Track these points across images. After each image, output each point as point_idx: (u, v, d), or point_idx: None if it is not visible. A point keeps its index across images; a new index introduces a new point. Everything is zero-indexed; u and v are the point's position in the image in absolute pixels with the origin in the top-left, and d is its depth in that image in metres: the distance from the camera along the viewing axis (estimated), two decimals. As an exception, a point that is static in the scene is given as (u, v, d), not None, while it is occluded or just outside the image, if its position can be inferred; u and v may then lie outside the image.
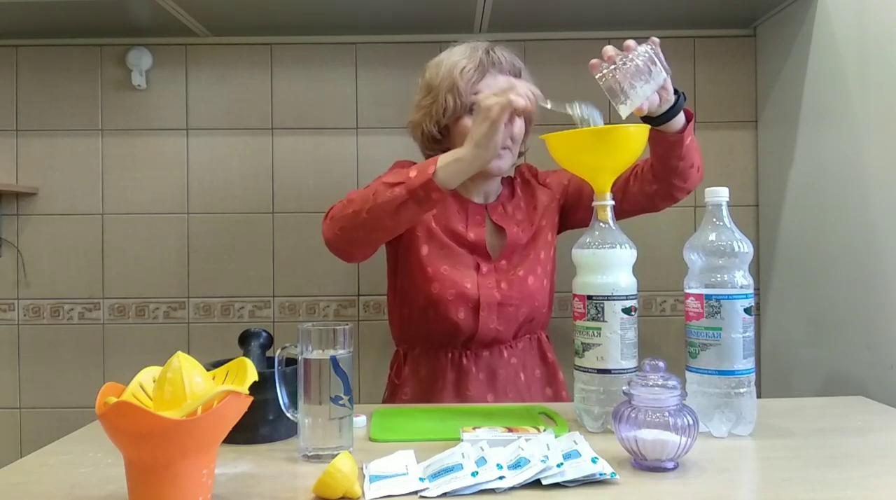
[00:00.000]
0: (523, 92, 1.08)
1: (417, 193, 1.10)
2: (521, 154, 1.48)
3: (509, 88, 1.08)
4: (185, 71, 1.94)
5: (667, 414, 0.84)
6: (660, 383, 0.87)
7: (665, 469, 0.85)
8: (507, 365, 1.36)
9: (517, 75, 1.34)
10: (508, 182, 1.49)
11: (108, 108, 1.93)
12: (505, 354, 1.37)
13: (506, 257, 1.38)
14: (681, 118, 1.18)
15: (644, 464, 0.86)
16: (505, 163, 1.35)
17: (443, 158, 1.11)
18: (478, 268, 1.36)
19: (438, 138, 1.39)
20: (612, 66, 1.03)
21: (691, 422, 0.84)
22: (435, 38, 1.86)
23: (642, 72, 1.03)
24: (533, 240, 1.41)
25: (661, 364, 0.89)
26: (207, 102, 1.94)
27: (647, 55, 1.03)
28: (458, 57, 1.33)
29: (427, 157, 1.46)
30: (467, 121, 1.31)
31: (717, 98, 1.93)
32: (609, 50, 1.06)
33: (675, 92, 1.14)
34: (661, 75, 1.05)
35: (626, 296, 1.02)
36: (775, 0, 1.72)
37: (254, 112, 1.94)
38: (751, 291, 0.99)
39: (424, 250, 1.35)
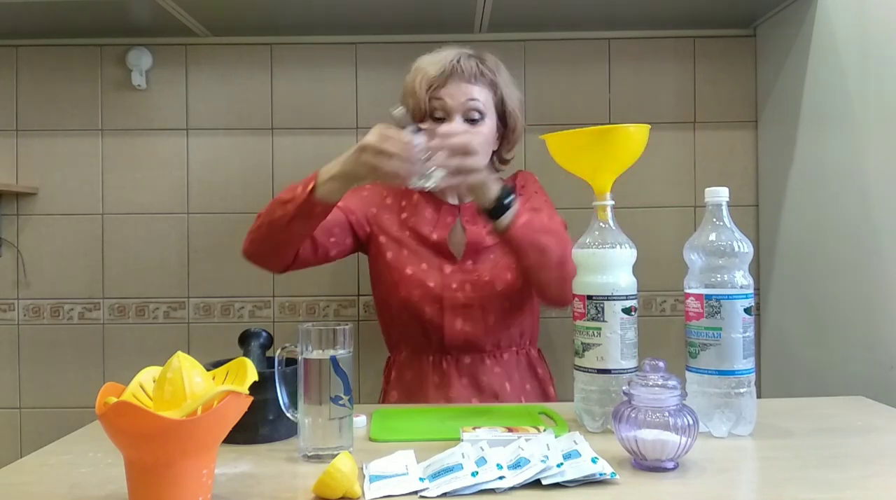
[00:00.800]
0: (392, 167, 1.09)
1: (303, 209, 1.17)
2: (506, 162, 1.47)
3: (380, 152, 1.09)
4: (185, 71, 1.94)
5: (667, 414, 0.84)
6: (660, 383, 0.87)
7: (665, 469, 0.85)
8: (489, 373, 1.36)
9: (488, 84, 1.36)
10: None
11: (108, 108, 1.93)
12: (487, 362, 1.37)
13: (470, 257, 1.38)
14: (506, 220, 1.19)
15: (644, 464, 0.86)
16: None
17: (322, 174, 1.16)
18: (441, 269, 1.37)
19: None
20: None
21: (691, 422, 0.84)
22: (435, 38, 1.85)
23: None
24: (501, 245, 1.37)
25: (661, 364, 0.89)
26: (207, 102, 1.94)
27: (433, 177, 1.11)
28: (427, 63, 1.36)
29: None
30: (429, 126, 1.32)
31: (717, 98, 1.93)
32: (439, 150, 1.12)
33: (504, 197, 1.18)
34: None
35: (626, 296, 1.02)
36: (775, 0, 1.72)
37: (254, 112, 1.94)
38: (751, 291, 0.99)
39: (389, 255, 1.39)
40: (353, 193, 1.41)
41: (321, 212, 1.19)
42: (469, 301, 1.34)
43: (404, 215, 1.42)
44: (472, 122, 1.34)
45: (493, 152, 1.42)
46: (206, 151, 1.94)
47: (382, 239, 1.41)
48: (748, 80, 1.93)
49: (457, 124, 1.29)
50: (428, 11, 1.75)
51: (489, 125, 1.36)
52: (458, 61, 1.34)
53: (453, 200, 1.44)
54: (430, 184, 1.11)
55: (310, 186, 1.16)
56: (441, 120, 1.34)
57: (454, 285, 1.35)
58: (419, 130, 1.11)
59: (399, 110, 1.13)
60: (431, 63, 1.36)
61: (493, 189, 1.18)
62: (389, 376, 1.44)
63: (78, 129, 1.93)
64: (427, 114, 1.35)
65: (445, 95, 1.33)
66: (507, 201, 1.19)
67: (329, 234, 1.34)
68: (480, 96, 1.34)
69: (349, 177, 1.15)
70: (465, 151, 1.12)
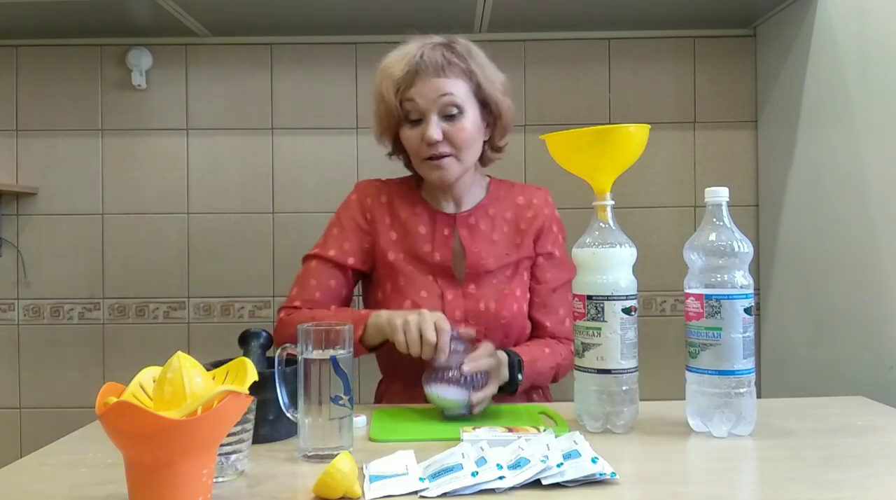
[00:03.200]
0: (415, 349, 1.06)
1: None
2: (499, 149, 1.34)
3: (420, 330, 1.06)
4: (185, 71, 1.94)
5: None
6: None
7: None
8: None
9: (461, 73, 1.22)
10: (495, 190, 1.35)
11: (108, 108, 1.94)
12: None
13: (472, 281, 1.27)
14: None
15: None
16: (448, 172, 1.24)
17: (371, 323, 1.14)
18: (442, 296, 1.26)
19: (393, 150, 1.33)
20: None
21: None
22: (435, 38, 1.86)
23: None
24: (507, 267, 1.29)
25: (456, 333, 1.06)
26: (207, 102, 1.94)
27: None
28: (392, 60, 1.24)
29: (405, 163, 1.36)
30: (406, 131, 1.24)
31: (717, 98, 1.94)
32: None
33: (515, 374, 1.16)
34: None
35: (626, 296, 1.02)
36: (775, 0, 1.72)
37: (254, 112, 1.94)
38: (751, 291, 0.99)
39: (388, 287, 1.28)
40: (344, 226, 1.31)
41: (360, 352, 1.16)
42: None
43: (394, 236, 1.30)
44: (449, 118, 1.21)
45: (485, 142, 1.29)
46: (206, 151, 1.94)
47: (382, 271, 1.29)
48: (748, 81, 1.93)
49: (482, 349, 1.11)
50: (428, 11, 1.75)
51: (471, 118, 1.23)
52: (422, 56, 1.21)
53: (448, 208, 1.32)
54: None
55: (359, 332, 1.14)
56: (417, 121, 1.22)
57: (457, 315, 1.24)
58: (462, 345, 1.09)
59: (467, 333, 1.12)
60: (395, 61, 1.23)
61: (504, 371, 1.14)
62: (383, 398, 1.36)
63: (78, 129, 1.93)
64: (401, 118, 1.23)
65: (416, 94, 1.20)
66: (519, 378, 1.16)
67: (337, 298, 1.30)
68: (454, 89, 1.21)
69: (384, 335, 1.13)
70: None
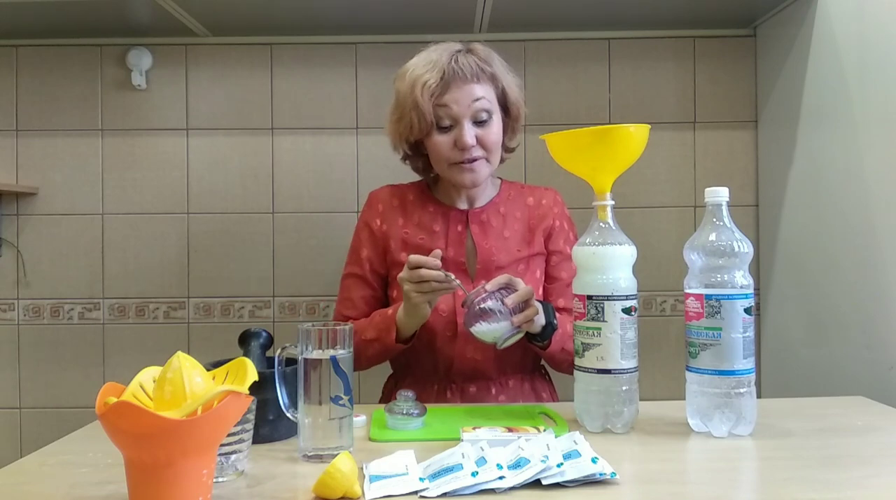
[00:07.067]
0: (432, 288, 1.14)
1: (389, 350, 1.26)
2: (511, 150, 1.39)
3: (417, 282, 1.14)
4: (185, 71, 1.94)
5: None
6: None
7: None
8: (494, 402, 1.30)
9: (489, 79, 1.28)
10: (506, 189, 1.40)
11: (108, 108, 1.94)
12: (493, 390, 1.31)
13: (482, 277, 1.29)
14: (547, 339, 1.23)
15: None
16: (479, 175, 1.29)
17: (399, 319, 1.22)
18: (453, 292, 1.27)
19: (410, 155, 1.37)
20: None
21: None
22: (435, 38, 1.84)
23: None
24: (518, 262, 1.33)
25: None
26: (207, 102, 1.94)
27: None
28: (422, 69, 1.26)
29: (414, 167, 1.41)
30: (436, 137, 1.27)
31: (717, 98, 1.94)
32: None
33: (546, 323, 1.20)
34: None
35: (626, 296, 1.02)
36: (775, 0, 1.72)
37: (254, 112, 1.94)
38: (751, 291, 0.99)
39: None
40: (360, 237, 1.39)
41: (403, 347, 1.27)
42: None
43: (406, 236, 1.34)
44: (480, 123, 1.26)
45: None
46: (206, 151, 1.94)
47: (395, 271, 1.32)
48: (748, 80, 1.93)
49: (521, 288, 1.14)
50: (428, 11, 1.75)
51: (497, 122, 1.29)
52: (456, 62, 1.25)
53: (462, 205, 1.36)
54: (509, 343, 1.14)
55: (392, 335, 1.24)
56: (448, 128, 1.26)
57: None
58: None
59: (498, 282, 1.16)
60: (427, 68, 1.25)
61: (541, 315, 1.18)
62: (389, 396, 1.39)
63: (78, 129, 1.93)
64: (433, 124, 1.26)
65: (450, 101, 1.24)
66: (555, 322, 1.21)
67: (373, 306, 1.38)
68: (485, 94, 1.26)
69: (413, 314, 1.20)
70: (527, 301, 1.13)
